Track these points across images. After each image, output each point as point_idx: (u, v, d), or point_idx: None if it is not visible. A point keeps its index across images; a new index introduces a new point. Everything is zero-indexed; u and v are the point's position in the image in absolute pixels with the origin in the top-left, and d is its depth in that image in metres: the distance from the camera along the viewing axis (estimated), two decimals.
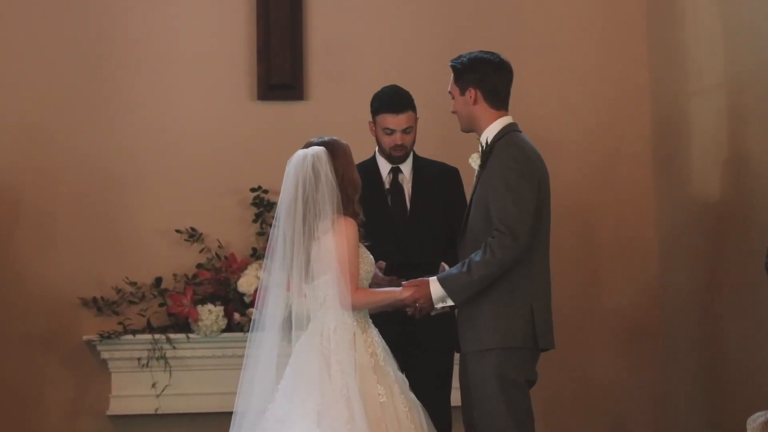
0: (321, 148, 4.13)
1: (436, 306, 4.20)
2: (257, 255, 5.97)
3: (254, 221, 6.05)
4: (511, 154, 4.19)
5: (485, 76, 4.32)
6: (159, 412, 5.86)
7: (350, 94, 6.04)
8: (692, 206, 5.85)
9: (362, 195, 4.33)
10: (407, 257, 4.64)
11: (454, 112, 4.40)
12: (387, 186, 4.88)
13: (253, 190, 6.03)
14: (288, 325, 4.10)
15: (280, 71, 6.11)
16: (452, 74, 4.37)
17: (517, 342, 4.15)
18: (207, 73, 6.15)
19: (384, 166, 4.90)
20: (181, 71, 6.14)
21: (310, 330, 4.11)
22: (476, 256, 4.11)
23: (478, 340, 4.18)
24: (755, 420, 3.91)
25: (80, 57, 6.08)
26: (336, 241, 4.06)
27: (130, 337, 5.85)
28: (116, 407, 5.91)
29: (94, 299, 5.96)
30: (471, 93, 4.30)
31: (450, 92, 4.39)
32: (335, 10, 6.23)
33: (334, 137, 4.23)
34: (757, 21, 5.23)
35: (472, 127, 4.35)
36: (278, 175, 4.18)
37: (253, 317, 4.17)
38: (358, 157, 4.45)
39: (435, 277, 4.20)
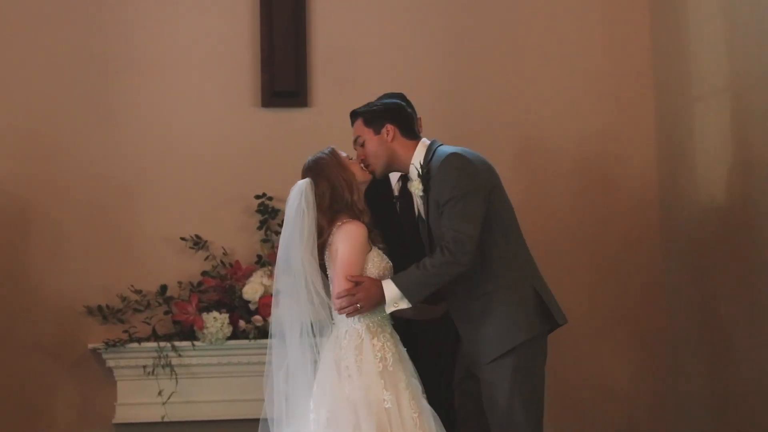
0: (306, 182, 4.18)
1: (387, 308, 4.15)
2: (262, 262, 5.97)
3: (259, 228, 6.05)
4: (451, 164, 4.21)
5: (399, 112, 4.38)
6: (165, 419, 5.85)
7: (354, 101, 5.96)
8: (697, 210, 5.85)
9: (372, 202, 4.31)
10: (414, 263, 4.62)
11: (363, 160, 4.36)
12: (396, 193, 4.87)
13: (257, 197, 6.03)
14: (313, 331, 4.14)
15: (284, 78, 6.12)
16: (359, 121, 4.38)
17: (535, 329, 4.19)
18: (211, 80, 6.15)
19: (394, 174, 4.87)
20: (185, 79, 6.15)
21: (331, 336, 4.15)
22: (430, 257, 4.15)
23: (498, 345, 4.19)
24: None
25: (86, 65, 6.09)
26: (340, 248, 4.11)
27: (135, 345, 5.85)
28: (122, 415, 5.90)
29: (100, 307, 5.96)
30: (388, 129, 4.33)
31: (358, 139, 4.37)
32: (339, 17, 6.23)
33: (320, 153, 4.26)
34: (761, 24, 5.22)
35: (391, 165, 4.37)
36: (283, 182, 4.19)
37: (270, 324, 4.22)
38: None
39: (389, 279, 4.17)
